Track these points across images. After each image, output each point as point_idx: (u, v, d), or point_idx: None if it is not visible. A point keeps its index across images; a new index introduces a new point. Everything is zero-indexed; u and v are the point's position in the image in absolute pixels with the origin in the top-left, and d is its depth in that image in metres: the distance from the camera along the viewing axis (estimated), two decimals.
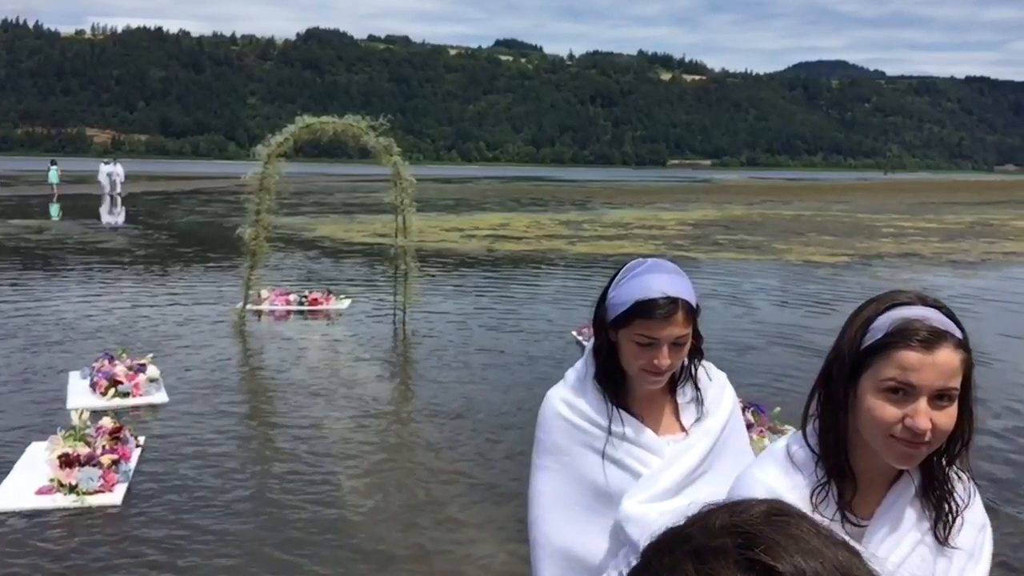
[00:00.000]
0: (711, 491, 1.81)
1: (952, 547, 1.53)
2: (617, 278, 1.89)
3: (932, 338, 1.44)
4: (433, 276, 15.92)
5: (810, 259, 20.66)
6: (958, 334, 1.47)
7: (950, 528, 1.54)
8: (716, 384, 2.00)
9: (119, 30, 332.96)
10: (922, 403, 1.44)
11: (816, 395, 1.57)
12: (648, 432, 1.90)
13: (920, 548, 1.53)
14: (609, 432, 1.89)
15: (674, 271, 1.87)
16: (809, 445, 1.57)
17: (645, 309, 1.80)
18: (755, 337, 11.37)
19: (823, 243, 24.64)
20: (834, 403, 1.53)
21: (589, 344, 1.98)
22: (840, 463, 1.53)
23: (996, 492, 5.96)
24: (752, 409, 7.25)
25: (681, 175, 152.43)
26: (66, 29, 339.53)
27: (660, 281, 1.82)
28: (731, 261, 20.24)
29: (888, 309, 1.50)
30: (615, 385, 1.92)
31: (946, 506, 1.54)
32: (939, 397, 1.45)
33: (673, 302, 1.81)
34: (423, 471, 6.40)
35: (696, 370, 1.98)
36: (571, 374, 2.01)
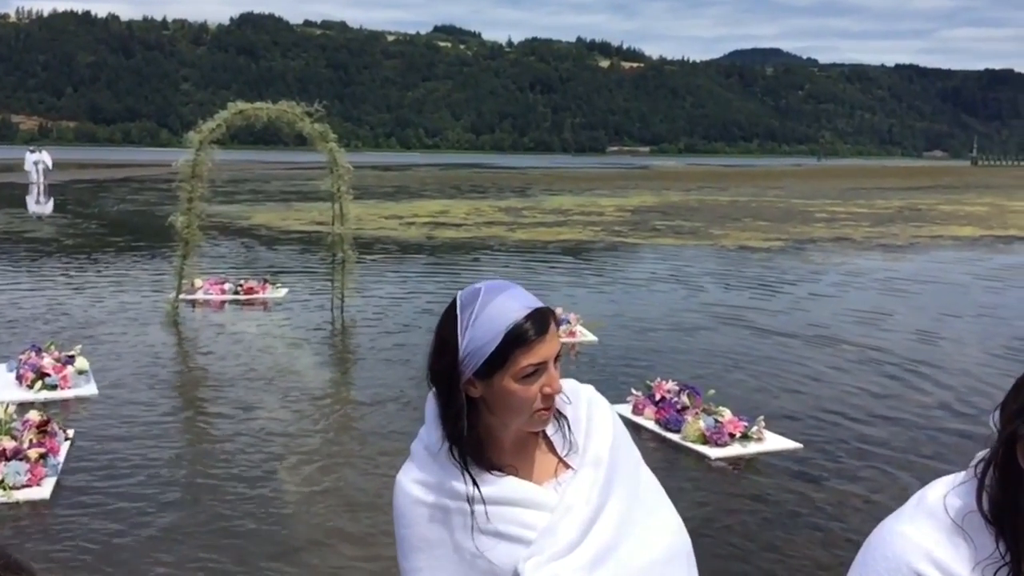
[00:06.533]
0: (615, 527, 1.56)
1: None
2: (460, 323, 1.53)
3: None
4: (371, 264, 15.80)
5: (746, 244, 21.00)
6: None
7: None
8: (581, 401, 1.65)
9: (45, 14, 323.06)
10: None
11: (992, 462, 1.34)
12: (528, 486, 1.58)
13: None
14: (482, 502, 1.54)
15: (512, 284, 1.57)
16: (983, 511, 1.35)
17: (522, 334, 1.49)
18: (700, 318, 11.67)
19: (758, 228, 25.05)
20: (1008, 478, 1.32)
21: (429, 410, 1.66)
22: (1018, 538, 1.33)
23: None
24: (688, 392, 7.36)
25: (620, 162, 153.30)
26: None
27: (515, 298, 1.52)
28: (669, 246, 20.48)
29: None
30: (477, 446, 1.59)
31: None
32: None
33: (542, 312, 1.52)
34: (360, 459, 6.37)
35: None
36: (418, 448, 1.64)
